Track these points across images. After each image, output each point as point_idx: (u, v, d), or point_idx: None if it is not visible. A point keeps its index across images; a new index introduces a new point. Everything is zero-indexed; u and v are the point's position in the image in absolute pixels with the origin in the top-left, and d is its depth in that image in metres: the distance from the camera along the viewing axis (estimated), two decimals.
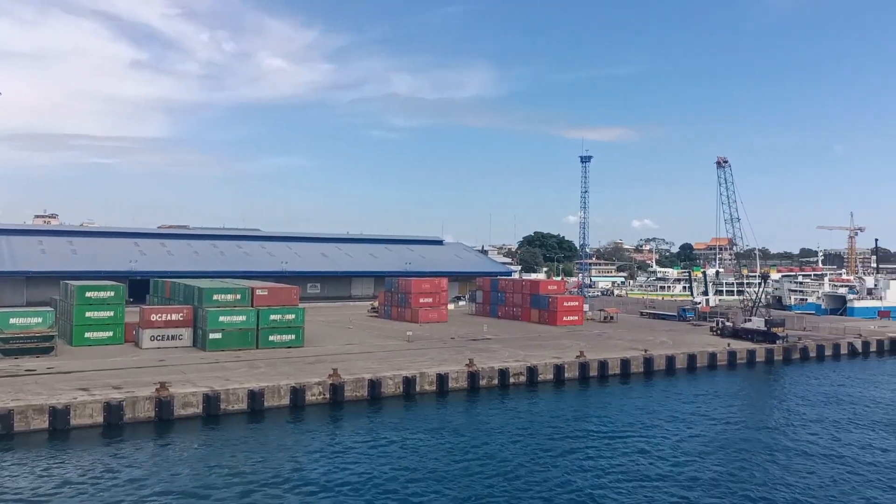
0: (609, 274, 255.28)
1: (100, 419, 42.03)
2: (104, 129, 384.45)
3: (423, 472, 35.47)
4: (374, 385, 51.24)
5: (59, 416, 40.69)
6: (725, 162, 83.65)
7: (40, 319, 60.01)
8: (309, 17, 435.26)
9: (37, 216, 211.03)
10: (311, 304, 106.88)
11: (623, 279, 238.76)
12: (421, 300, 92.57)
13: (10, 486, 32.12)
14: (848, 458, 39.64)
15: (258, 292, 66.87)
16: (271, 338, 65.20)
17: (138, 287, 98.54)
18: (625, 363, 64.02)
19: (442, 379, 54.19)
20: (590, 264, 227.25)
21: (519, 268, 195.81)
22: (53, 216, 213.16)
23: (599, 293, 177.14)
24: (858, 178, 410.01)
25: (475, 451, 39.17)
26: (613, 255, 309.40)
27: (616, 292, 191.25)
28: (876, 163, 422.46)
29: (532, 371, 58.77)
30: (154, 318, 65.27)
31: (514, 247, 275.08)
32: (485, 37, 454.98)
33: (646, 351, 67.48)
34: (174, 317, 65.91)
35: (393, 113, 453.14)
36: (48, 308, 66.70)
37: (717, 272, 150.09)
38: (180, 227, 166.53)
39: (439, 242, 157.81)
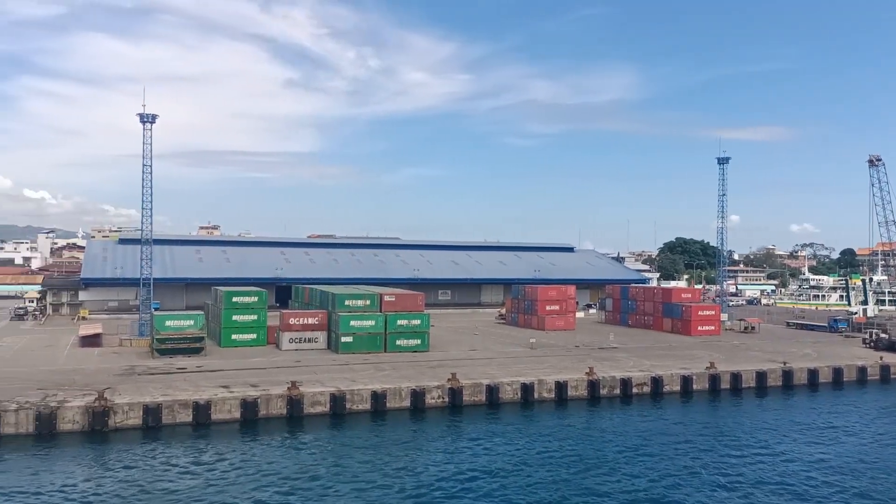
0: (758, 282, 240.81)
1: (237, 414, 45.61)
2: (259, 145, 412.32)
3: (532, 478, 35.70)
4: (492, 391, 51.88)
5: (201, 410, 44.57)
6: (879, 160, 77.30)
7: (192, 322, 65.72)
8: (447, 30, 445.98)
9: (201, 227, 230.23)
10: (441, 311, 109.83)
11: (773, 287, 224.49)
12: (547, 307, 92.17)
13: (163, 472, 35.76)
14: None
15: (386, 298, 69.59)
16: (398, 342, 67.58)
17: (284, 293, 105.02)
18: (760, 376, 60.60)
19: (561, 387, 53.88)
20: (735, 271, 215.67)
21: (657, 275, 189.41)
22: (216, 227, 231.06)
23: (744, 302, 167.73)
24: None
25: (583, 460, 38.85)
26: (764, 262, 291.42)
27: (764, 301, 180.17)
28: None
29: (657, 381, 57.05)
30: (292, 321, 69.53)
31: (654, 254, 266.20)
32: (623, 38, 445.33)
33: (785, 363, 63.52)
34: (310, 321, 69.90)
35: (531, 119, 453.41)
36: (199, 312, 72.78)
37: (873, 279, 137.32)
38: (327, 236, 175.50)
39: (570, 249, 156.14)
